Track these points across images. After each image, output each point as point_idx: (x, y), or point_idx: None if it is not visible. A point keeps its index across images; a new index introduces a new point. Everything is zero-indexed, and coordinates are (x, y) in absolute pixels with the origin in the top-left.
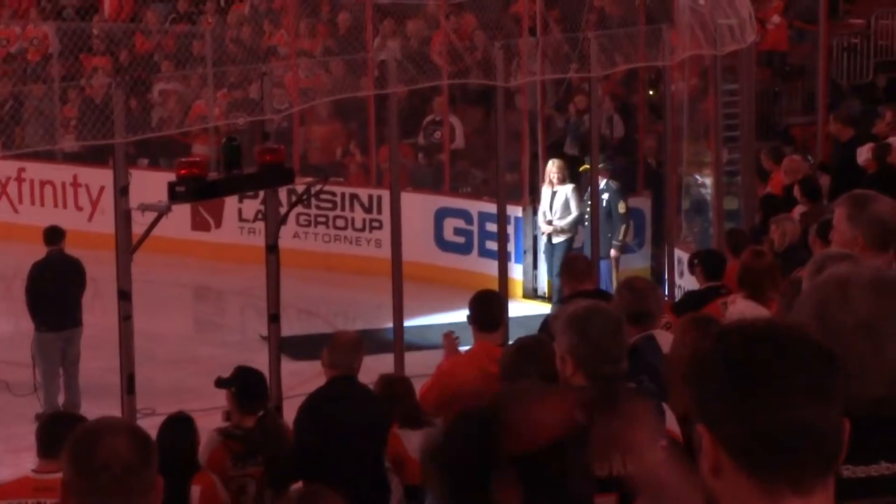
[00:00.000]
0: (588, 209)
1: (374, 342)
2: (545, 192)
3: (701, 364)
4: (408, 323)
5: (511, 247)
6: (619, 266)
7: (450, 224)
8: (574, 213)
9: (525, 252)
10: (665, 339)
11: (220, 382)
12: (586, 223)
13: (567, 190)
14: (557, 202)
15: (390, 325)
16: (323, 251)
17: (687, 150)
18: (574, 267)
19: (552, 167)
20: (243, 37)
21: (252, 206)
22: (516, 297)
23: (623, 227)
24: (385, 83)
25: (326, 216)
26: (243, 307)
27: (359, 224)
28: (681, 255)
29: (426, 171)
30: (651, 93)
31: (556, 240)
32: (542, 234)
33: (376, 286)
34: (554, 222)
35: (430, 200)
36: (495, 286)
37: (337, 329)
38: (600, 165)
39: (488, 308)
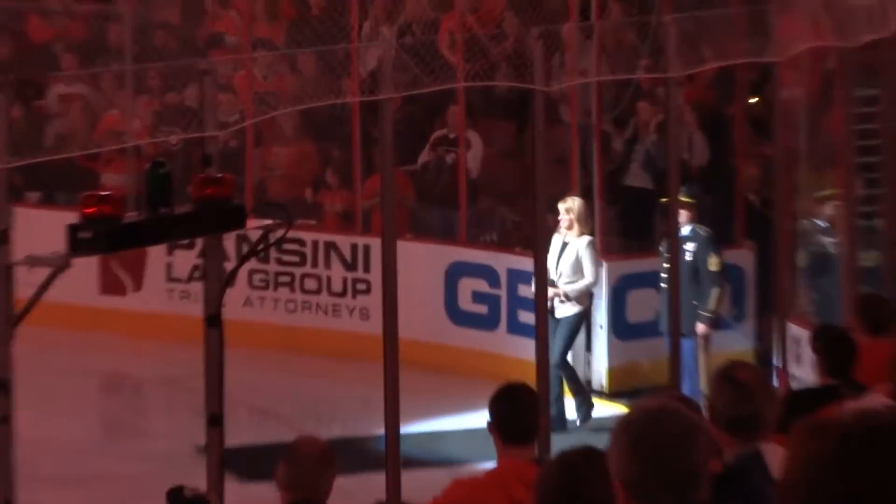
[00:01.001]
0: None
1: (359, 456)
2: (555, 241)
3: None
4: (406, 429)
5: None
6: (710, 347)
7: (467, 287)
8: (589, 277)
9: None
10: (778, 457)
11: None
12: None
13: (580, 244)
14: (566, 260)
15: (381, 431)
16: (286, 325)
17: (805, 183)
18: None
19: (562, 207)
20: (176, 20)
21: (187, 259)
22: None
23: (715, 292)
24: (376, 87)
25: (291, 275)
26: (172, 404)
27: (337, 286)
28: (798, 333)
29: (434, 212)
30: (752, 101)
31: (560, 312)
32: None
33: (362, 376)
34: (559, 285)
35: (440, 253)
36: (531, 377)
37: (302, 435)
38: (683, 201)
39: (518, 410)
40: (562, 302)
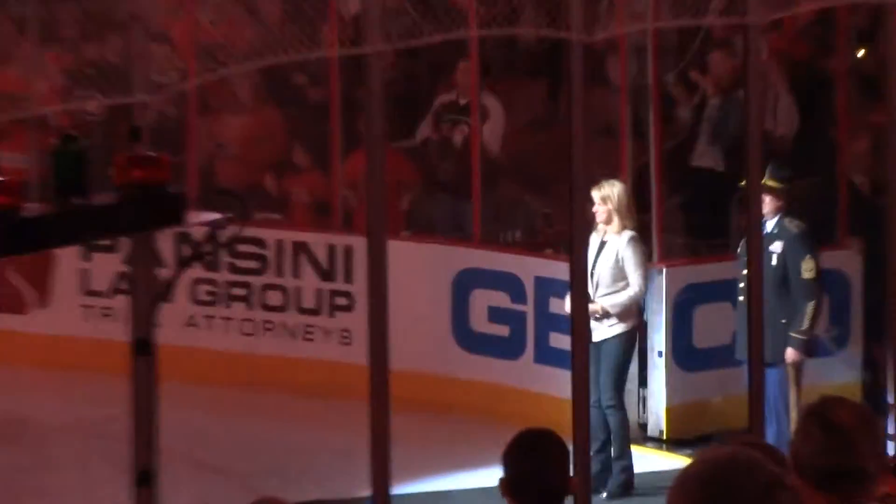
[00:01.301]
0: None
1: None
2: (591, 241)
3: None
4: (401, 490)
5: None
6: (803, 379)
7: (482, 301)
8: (634, 286)
9: None
10: None
11: None
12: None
13: (621, 243)
14: (604, 264)
15: (367, 494)
16: (242, 352)
17: None
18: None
19: (597, 195)
20: None
21: (108, 266)
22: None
23: (810, 308)
24: (361, 38)
25: (248, 286)
26: (86, 458)
27: (310, 302)
28: None
29: (439, 203)
30: (860, 55)
31: (600, 334)
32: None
33: (342, 420)
34: (596, 299)
35: (447, 257)
36: (566, 420)
37: (262, 499)
38: (767, 185)
39: (541, 466)
40: (598, 320)
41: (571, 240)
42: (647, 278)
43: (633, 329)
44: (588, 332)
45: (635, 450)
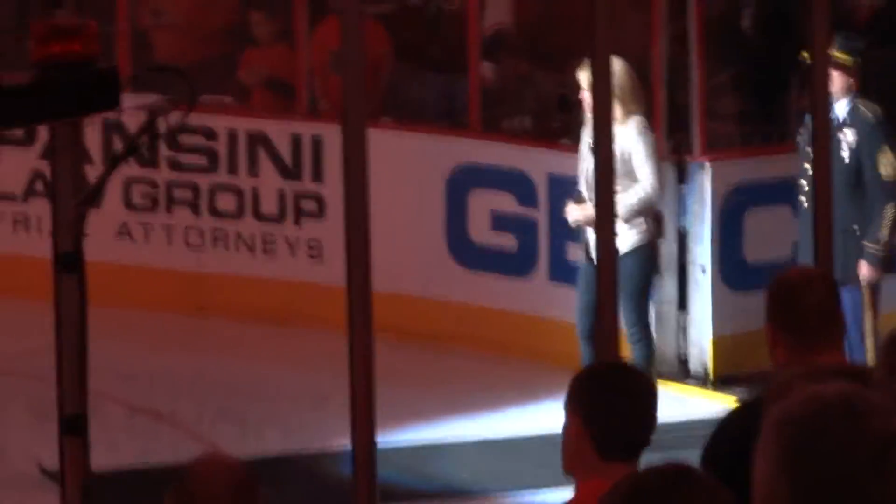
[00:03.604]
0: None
1: (308, 484)
2: (586, 133)
3: None
4: (387, 440)
5: None
6: (881, 301)
7: (483, 205)
8: (646, 184)
9: (659, 271)
10: None
11: None
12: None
13: (626, 133)
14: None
15: (346, 445)
16: (187, 270)
17: None
18: (795, 306)
19: (583, 76)
20: None
21: (21, 163)
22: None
23: (889, 211)
24: None
25: (195, 187)
26: (1, 399)
27: (270, 206)
28: None
29: (428, 82)
30: None
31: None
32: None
33: (312, 353)
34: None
35: (439, 149)
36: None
37: (211, 451)
38: (836, 59)
39: (632, 407)
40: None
41: (595, 128)
42: (659, 176)
43: (652, 239)
44: (613, 234)
45: (673, 391)
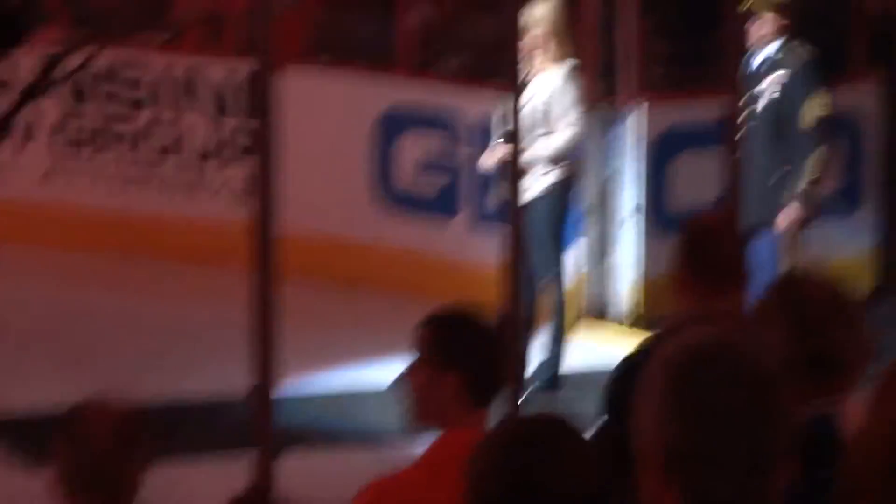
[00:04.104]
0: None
1: (209, 431)
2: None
3: None
4: (305, 383)
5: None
6: (804, 244)
7: (411, 147)
8: (573, 127)
9: (586, 213)
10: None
11: None
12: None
13: (557, 76)
14: (535, 102)
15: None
16: (113, 210)
17: None
18: (701, 249)
19: (526, 17)
20: None
21: None
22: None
23: (816, 156)
24: None
25: (118, 133)
26: None
27: (199, 145)
28: None
29: (356, 21)
30: None
31: (530, 191)
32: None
33: (230, 294)
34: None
35: (366, 89)
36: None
37: (98, 392)
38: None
39: (472, 350)
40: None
41: (509, 69)
42: (583, 119)
43: (567, 180)
44: (519, 177)
45: (598, 333)
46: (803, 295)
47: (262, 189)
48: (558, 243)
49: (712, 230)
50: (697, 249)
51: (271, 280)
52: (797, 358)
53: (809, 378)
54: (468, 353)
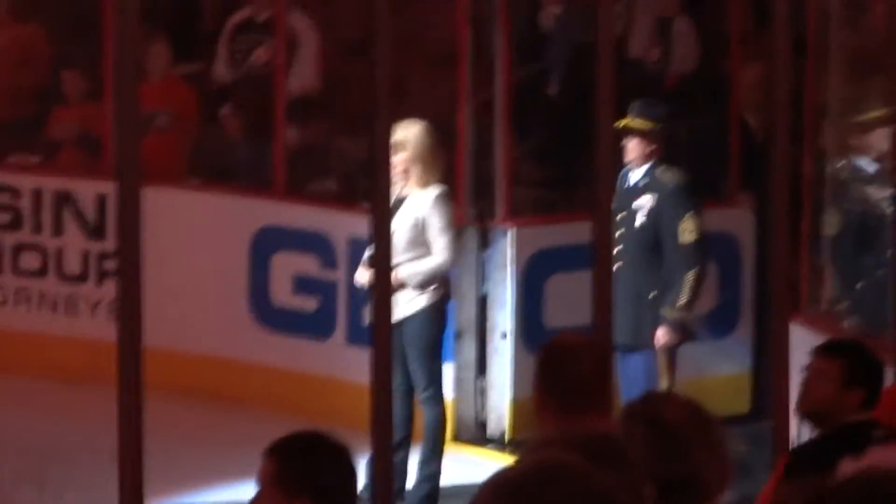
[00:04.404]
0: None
1: None
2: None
3: None
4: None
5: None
6: (678, 368)
7: (286, 267)
8: (441, 253)
9: (459, 334)
10: None
11: None
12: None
13: (425, 201)
14: (403, 225)
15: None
16: None
17: (838, 99)
18: (556, 370)
19: (393, 140)
20: None
21: None
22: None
23: (689, 277)
24: None
25: None
26: None
27: (73, 266)
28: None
29: (234, 144)
30: None
31: (398, 312)
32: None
33: (108, 413)
34: (398, 267)
35: (243, 211)
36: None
37: None
38: (633, 126)
39: (322, 474)
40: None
41: (373, 192)
42: (454, 244)
43: (441, 300)
44: (389, 296)
45: (472, 453)
46: (662, 415)
47: (126, 310)
48: (436, 360)
49: (568, 351)
50: (553, 370)
51: (137, 400)
52: (657, 478)
53: (668, 499)
54: (317, 476)
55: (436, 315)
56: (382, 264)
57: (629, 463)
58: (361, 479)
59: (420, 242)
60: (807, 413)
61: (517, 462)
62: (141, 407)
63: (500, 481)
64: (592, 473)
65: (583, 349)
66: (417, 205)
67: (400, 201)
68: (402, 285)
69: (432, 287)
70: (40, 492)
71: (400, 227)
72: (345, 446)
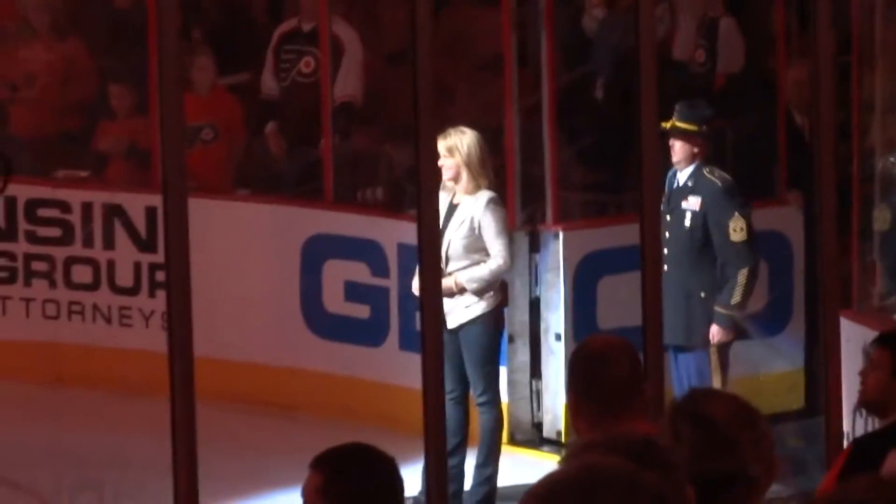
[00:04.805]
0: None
1: None
2: (441, 201)
3: None
4: None
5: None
6: (729, 365)
7: (337, 275)
8: (497, 257)
9: (512, 339)
10: None
11: None
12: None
13: (477, 206)
14: (456, 232)
15: None
16: (41, 341)
17: (883, 92)
18: (588, 373)
19: (443, 145)
20: None
21: None
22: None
23: (741, 276)
24: None
25: (50, 259)
26: None
27: (126, 278)
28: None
29: (282, 154)
30: None
31: (455, 318)
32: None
33: (166, 422)
34: (450, 274)
35: (292, 220)
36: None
37: None
38: (678, 128)
39: (368, 488)
40: (451, 298)
41: (418, 200)
42: (510, 247)
43: (499, 307)
44: (440, 302)
45: (528, 456)
46: (707, 411)
47: (175, 320)
48: (493, 365)
49: (602, 354)
50: (589, 374)
51: (190, 409)
52: (703, 474)
53: (715, 495)
54: (362, 490)
55: (493, 321)
56: (429, 270)
57: (672, 465)
58: (418, 484)
59: (476, 248)
60: (864, 403)
61: (560, 467)
62: (193, 416)
63: (549, 485)
64: (642, 475)
65: (617, 351)
66: (470, 210)
67: (453, 208)
68: (461, 291)
69: (490, 293)
70: (99, 501)
71: (455, 234)
72: (390, 459)
